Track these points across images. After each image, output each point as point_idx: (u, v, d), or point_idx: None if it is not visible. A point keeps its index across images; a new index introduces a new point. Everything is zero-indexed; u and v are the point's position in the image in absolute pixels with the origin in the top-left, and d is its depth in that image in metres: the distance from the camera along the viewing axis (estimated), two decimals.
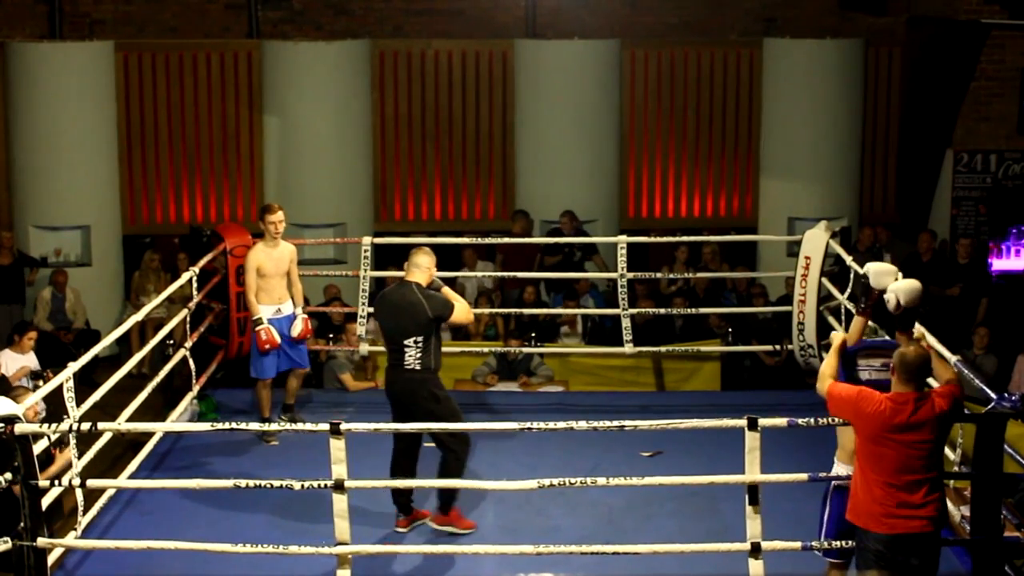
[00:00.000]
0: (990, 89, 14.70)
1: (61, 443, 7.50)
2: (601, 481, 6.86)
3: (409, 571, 7.19)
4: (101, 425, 7.04)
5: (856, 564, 6.12)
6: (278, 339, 9.28)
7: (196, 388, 9.58)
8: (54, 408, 8.19)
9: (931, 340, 6.59)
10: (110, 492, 7.94)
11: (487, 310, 11.98)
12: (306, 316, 9.55)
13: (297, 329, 9.37)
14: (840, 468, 6.48)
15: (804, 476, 6.70)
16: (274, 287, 9.36)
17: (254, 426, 7.55)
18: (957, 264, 13.14)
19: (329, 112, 14.30)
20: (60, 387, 7.34)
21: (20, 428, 6.52)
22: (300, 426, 6.93)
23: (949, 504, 6.76)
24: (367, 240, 10.75)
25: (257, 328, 9.20)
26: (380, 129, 14.72)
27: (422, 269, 7.78)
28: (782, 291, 12.30)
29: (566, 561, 7.06)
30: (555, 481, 6.78)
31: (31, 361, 10.72)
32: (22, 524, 6.57)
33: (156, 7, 14.82)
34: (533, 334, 11.82)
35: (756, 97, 14.84)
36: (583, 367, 11.51)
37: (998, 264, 14.10)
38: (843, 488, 6.32)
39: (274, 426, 7.34)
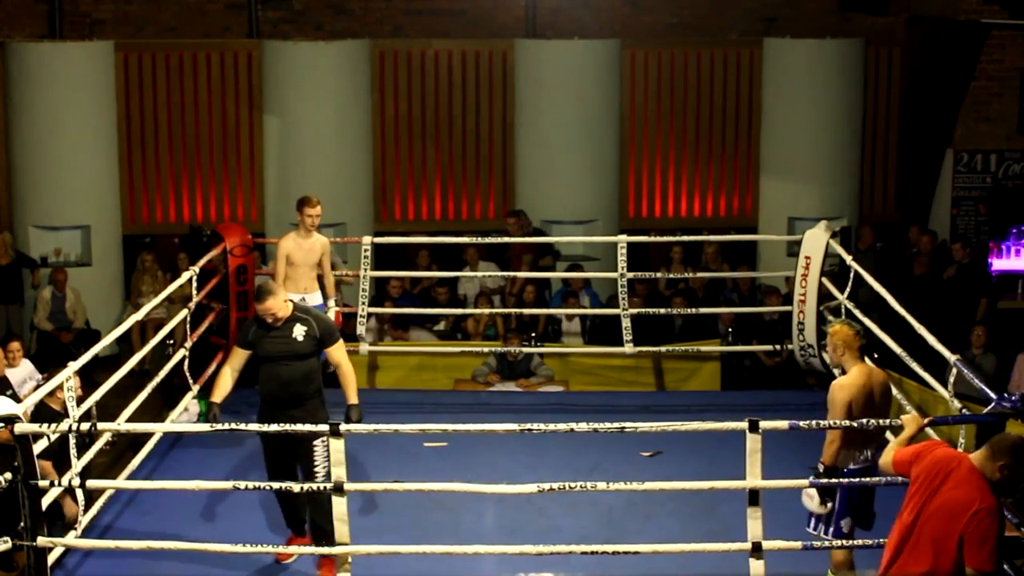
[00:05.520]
0: (990, 89, 14.69)
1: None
2: (601, 486, 6.86)
3: (409, 571, 7.18)
4: (101, 425, 7.02)
5: None
6: None
7: (196, 388, 9.58)
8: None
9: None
10: (110, 492, 7.94)
11: (487, 310, 11.98)
12: (338, 309, 9.70)
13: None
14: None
15: (805, 482, 6.70)
16: (301, 276, 9.53)
17: (254, 427, 7.54)
18: (957, 264, 13.12)
19: (329, 112, 14.29)
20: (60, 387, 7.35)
21: (20, 428, 6.52)
22: (299, 427, 6.90)
23: None
24: (367, 240, 10.77)
25: None
26: (380, 129, 14.70)
27: None
28: (782, 291, 12.29)
29: (566, 561, 7.06)
30: (555, 485, 6.79)
31: (27, 371, 10.36)
32: (22, 524, 6.57)
33: (156, 7, 14.81)
34: (533, 334, 11.81)
35: (756, 97, 14.83)
36: (583, 367, 11.49)
37: (998, 264, 14.08)
38: (852, 471, 6.59)
39: (274, 427, 7.32)
